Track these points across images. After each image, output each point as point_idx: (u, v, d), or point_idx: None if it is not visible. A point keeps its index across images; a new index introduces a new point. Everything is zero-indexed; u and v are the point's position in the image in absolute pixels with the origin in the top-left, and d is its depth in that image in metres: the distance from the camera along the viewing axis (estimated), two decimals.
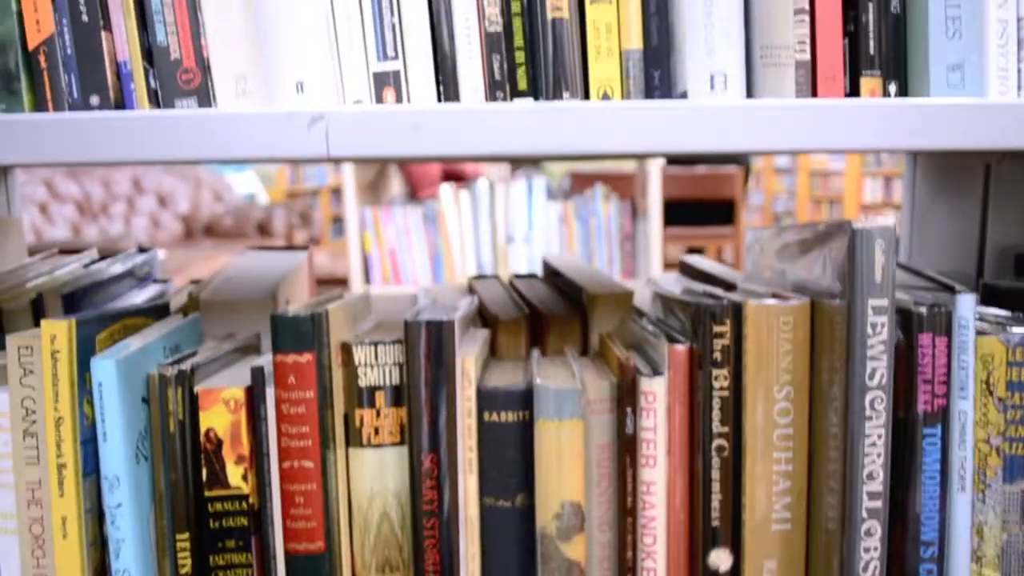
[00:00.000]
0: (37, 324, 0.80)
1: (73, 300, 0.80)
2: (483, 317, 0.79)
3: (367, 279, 2.30)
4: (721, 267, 0.89)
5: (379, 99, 0.58)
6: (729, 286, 0.82)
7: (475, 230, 2.26)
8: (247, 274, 0.85)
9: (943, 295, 0.66)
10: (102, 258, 0.94)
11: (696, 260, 0.93)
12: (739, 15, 0.56)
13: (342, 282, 2.39)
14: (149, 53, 0.59)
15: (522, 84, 0.59)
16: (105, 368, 0.60)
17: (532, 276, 0.94)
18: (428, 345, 0.60)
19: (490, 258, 2.24)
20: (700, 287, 0.76)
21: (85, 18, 0.59)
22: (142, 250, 0.95)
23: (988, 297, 0.80)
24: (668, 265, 2.95)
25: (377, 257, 2.26)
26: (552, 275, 0.91)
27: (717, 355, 0.60)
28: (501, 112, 0.52)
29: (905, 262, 1.01)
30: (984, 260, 0.94)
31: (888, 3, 0.60)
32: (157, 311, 0.75)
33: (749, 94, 0.56)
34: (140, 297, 0.89)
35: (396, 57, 0.58)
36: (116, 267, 0.89)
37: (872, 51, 0.59)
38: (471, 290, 0.89)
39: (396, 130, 0.52)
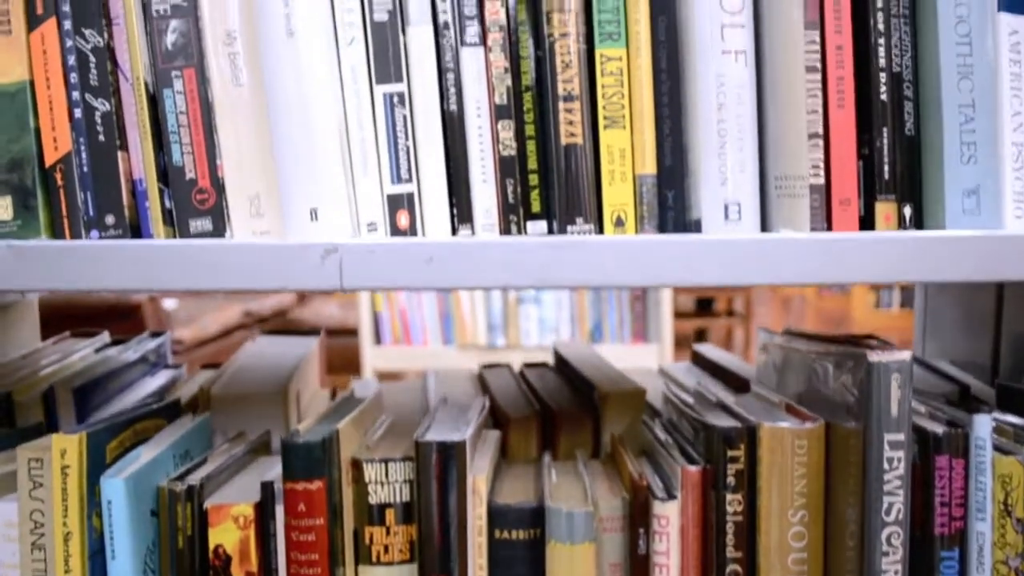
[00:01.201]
0: (48, 417, 0.80)
1: (84, 393, 0.80)
2: (494, 413, 0.78)
3: (377, 339, 2.30)
4: (733, 359, 0.89)
5: (393, 221, 0.58)
6: (741, 383, 0.81)
7: (485, 290, 2.27)
8: (258, 365, 0.85)
9: (960, 413, 0.65)
10: (114, 343, 0.95)
11: (708, 350, 0.92)
12: (753, 144, 0.56)
13: (352, 332, 2.39)
14: (164, 173, 0.59)
15: (536, 207, 0.59)
16: (114, 487, 0.59)
17: (543, 365, 0.93)
18: (439, 465, 0.60)
19: (500, 319, 2.25)
20: (713, 389, 0.75)
21: (102, 138, 0.60)
22: (154, 335, 0.95)
23: (1004, 398, 0.79)
24: (679, 314, 2.94)
25: (388, 316, 2.26)
26: (562, 364, 0.91)
27: (731, 479, 0.59)
28: (515, 246, 0.52)
29: (919, 353, 1.00)
30: (1000, 348, 0.93)
31: (903, 126, 0.60)
32: (168, 411, 0.75)
33: (763, 223, 0.56)
34: (152, 385, 0.89)
35: (410, 180, 0.58)
36: (128, 354, 0.89)
37: (887, 175, 0.59)
38: (481, 380, 0.89)
39: (410, 263, 0.52)
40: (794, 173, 0.55)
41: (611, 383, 0.80)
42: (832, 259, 0.53)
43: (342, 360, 2.20)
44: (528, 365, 0.92)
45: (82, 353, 0.90)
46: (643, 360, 2.21)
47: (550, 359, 0.97)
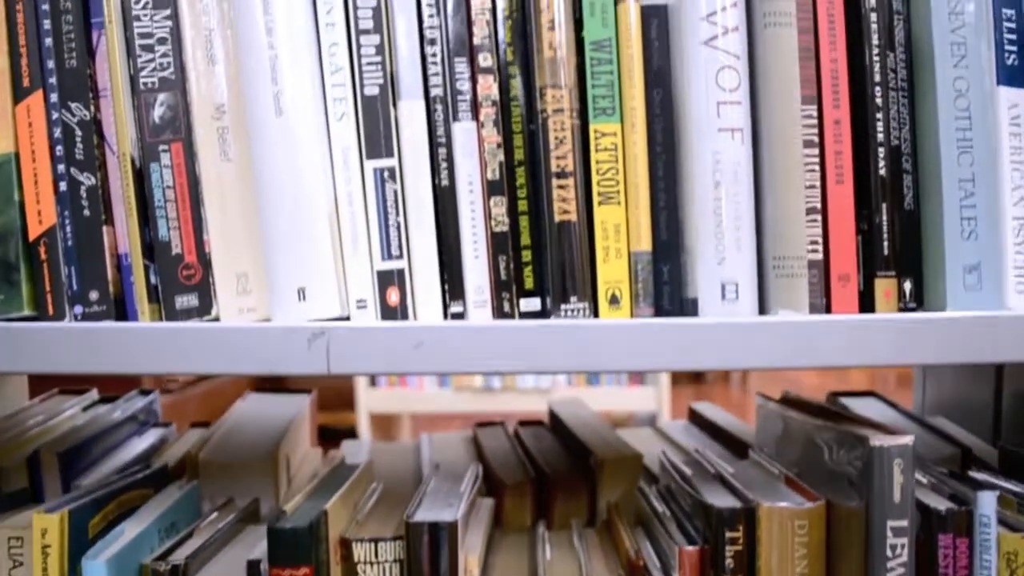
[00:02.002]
0: (32, 482, 0.78)
1: (69, 457, 0.79)
2: (488, 479, 0.77)
3: (372, 381, 2.28)
4: (730, 419, 0.87)
5: (383, 298, 0.57)
6: (740, 445, 0.80)
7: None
8: (248, 426, 0.84)
9: (962, 487, 0.64)
10: (103, 400, 0.93)
11: (705, 409, 0.91)
12: (750, 223, 0.55)
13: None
14: (150, 248, 0.58)
15: (529, 283, 0.58)
16: (96, 569, 0.58)
17: (538, 423, 0.92)
18: (430, 545, 0.59)
19: None
20: (710, 455, 0.74)
21: (87, 212, 0.59)
22: (144, 392, 0.94)
23: (1007, 462, 0.78)
24: None
25: None
26: (557, 424, 0.89)
27: (730, 561, 0.58)
28: (507, 330, 0.51)
29: (918, 403, 0.99)
30: (1001, 406, 0.92)
31: (902, 200, 0.59)
32: (154, 479, 0.73)
33: (761, 302, 0.55)
34: (140, 445, 0.87)
35: (401, 256, 0.57)
36: (116, 413, 0.88)
37: (886, 251, 0.58)
38: (476, 442, 0.87)
39: (398, 348, 0.51)
40: (792, 253, 0.54)
41: (607, 447, 0.79)
42: (831, 342, 0.52)
43: (338, 399, 2.18)
44: (523, 423, 0.91)
45: (70, 412, 0.89)
46: (640, 403, 2.19)
47: (545, 408, 0.95)
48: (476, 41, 0.58)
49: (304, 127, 0.55)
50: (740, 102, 0.55)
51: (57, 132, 0.59)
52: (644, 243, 0.57)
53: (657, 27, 0.59)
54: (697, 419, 0.91)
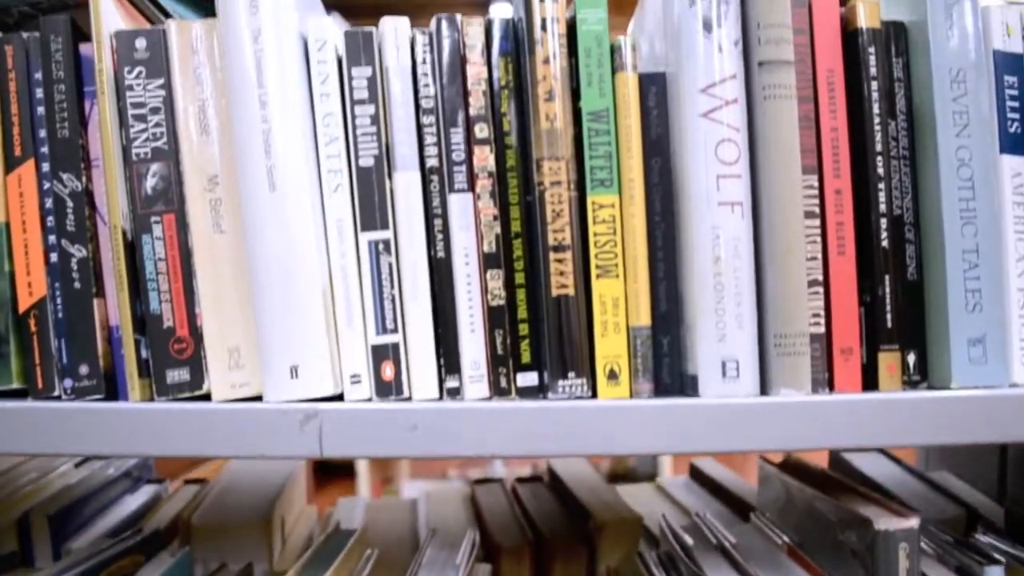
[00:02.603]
0: (22, 545, 0.77)
1: (60, 520, 0.77)
2: (485, 541, 0.76)
3: None
4: (733, 478, 0.86)
5: (378, 373, 0.56)
6: (742, 506, 0.79)
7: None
8: (241, 485, 0.83)
9: (969, 558, 0.62)
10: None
11: (706, 466, 0.90)
12: (751, 299, 0.54)
13: None
14: (142, 321, 0.57)
15: (526, 358, 0.57)
16: None
17: (537, 479, 0.91)
18: None
19: None
20: (711, 517, 0.72)
21: (77, 284, 0.58)
22: None
23: (1013, 523, 0.77)
24: None
25: None
26: (556, 481, 0.88)
27: None
28: (503, 412, 0.50)
29: (922, 458, 0.98)
30: (1006, 459, 0.91)
31: (905, 271, 0.58)
32: (146, 546, 0.72)
33: (763, 380, 0.54)
34: (132, 504, 0.86)
35: (396, 330, 0.56)
36: (110, 470, 0.87)
37: (890, 323, 0.57)
38: (473, 501, 0.86)
39: (392, 430, 0.50)
40: (794, 330, 0.53)
41: (607, 509, 0.77)
42: (834, 424, 0.50)
43: None
44: (521, 480, 0.90)
45: (62, 469, 0.87)
46: None
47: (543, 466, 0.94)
48: (472, 112, 0.57)
49: (297, 202, 0.55)
50: (740, 175, 0.54)
51: (48, 203, 0.59)
52: (643, 317, 0.56)
53: (655, 95, 0.58)
54: (698, 476, 0.90)
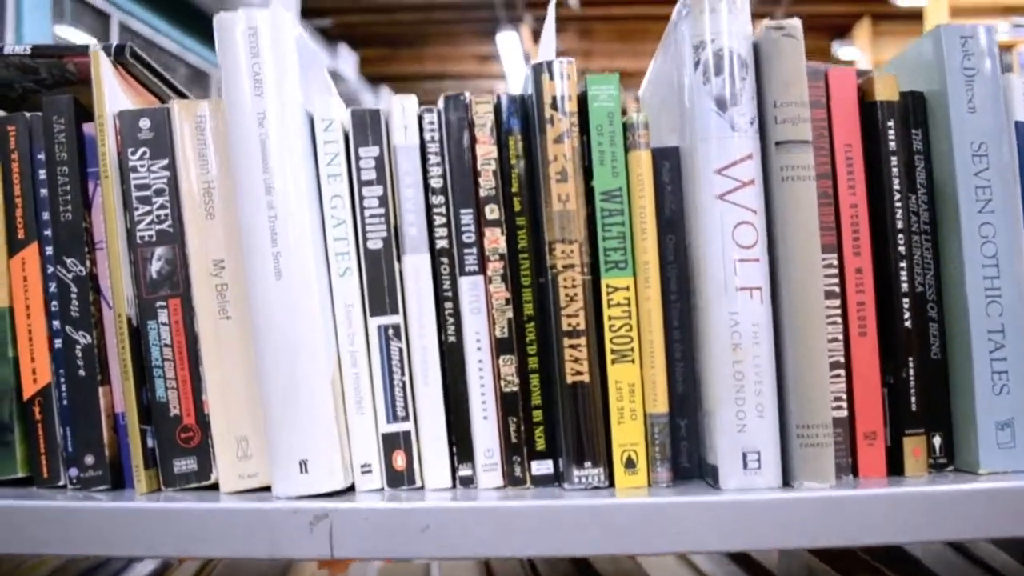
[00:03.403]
0: None
1: None
2: None
3: None
4: None
5: (388, 462, 0.55)
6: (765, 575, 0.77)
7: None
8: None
9: None
10: None
11: None
12: (771, 387, 0.52)
13: None
14: (147, 410, 0.56)
15: (540, 446, 0.55)
16: None
17: None
18: None
19: None
20: None
21: (82, 372, 0.57)
22: None
23: None
24: None
25: None
26: None
27: None
28: (518, 512, 0.49)
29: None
30: None
31: (928, 350, 0.56)
32: None
33: (785, 471, 0.52)
34: (143, 571, 0.85)
35: (407, 418, 0.55)
36: None
37: (914, 407, 0.55)
38: (487, 567, 0.85)
39: (404, 531, 0.49)
40: (817, 421, 0.52)
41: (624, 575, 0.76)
42: (860, 520, 0.49)
43: None
44: None
45: None
46: None
47: None
48: (483, 192, 0.56)
49: (305, 289, 0.53)
50: (759, 259, 0.53)
51: (52, 287, 0.58)
52: (660, 404, 0.54)
53: (669, 171, 0.57)
54: None
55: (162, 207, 0.57)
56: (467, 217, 0.56)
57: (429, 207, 0.56)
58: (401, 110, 0.56)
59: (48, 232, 0.58)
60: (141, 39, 4.57)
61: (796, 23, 0.53)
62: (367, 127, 0.56)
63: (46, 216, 0.58)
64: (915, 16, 4.91)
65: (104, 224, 0.57)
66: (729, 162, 0.53)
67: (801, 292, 0.53)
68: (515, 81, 6.53)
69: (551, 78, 0.55)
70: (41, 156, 0.59)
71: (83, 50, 0.59)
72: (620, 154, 0.55)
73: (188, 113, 0.57)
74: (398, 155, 0.56)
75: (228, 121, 0.54)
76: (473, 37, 6.10)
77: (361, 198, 0.56)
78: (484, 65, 6.70)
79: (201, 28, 4.97)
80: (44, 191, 0.58)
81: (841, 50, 6.16)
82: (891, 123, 0.57)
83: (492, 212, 0.56)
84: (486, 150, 0.56)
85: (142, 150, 0.57)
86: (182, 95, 0.67)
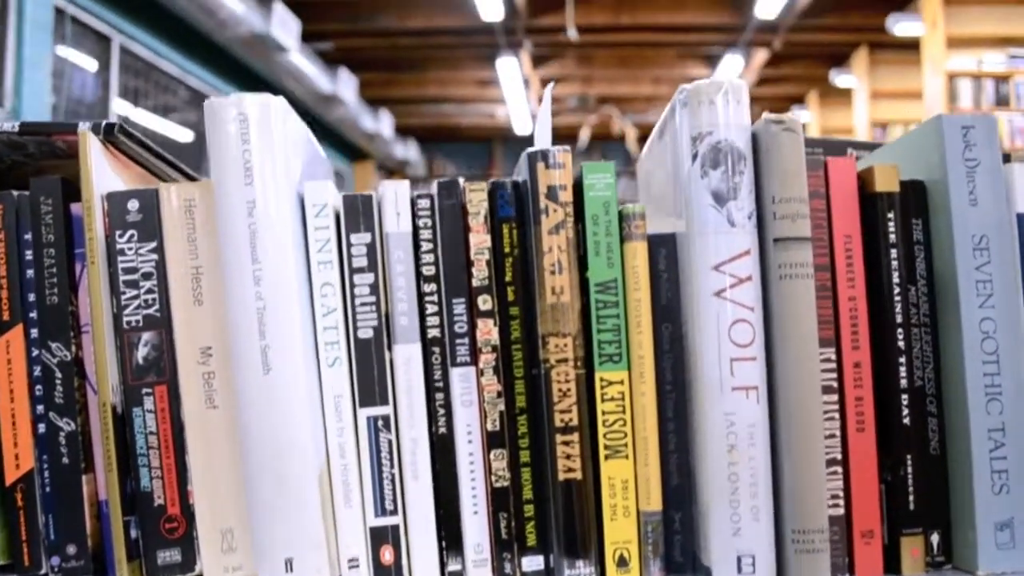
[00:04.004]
0: None
1: None
2: None
3: None
4: None
5: (376, 557, 0.54)
6: None
7: None
8: None
9: None
10: None
11: None
12: (767, 489, 0.51)
13: None
14: (131, 500, 0.55)
15: (531, 541, 0.54)
16: None
17: None
18: None
19: None
20: None
21: (66, 459, 0.56)
22: None
23: None
24: None
25: None
26: None
27: None
28: None
29: None
30: None
31: (927, 446, 0.55)
32: None
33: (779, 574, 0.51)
34: None
35: (395, 511, 0.54)
36: None
37: (912, 505, 0.54)
38: None
39: None
40: (813, 526, 0.51)
41: None
42: None
43: None
44: None
45: None
46: None
47: None
48: (475, 282, 0.55)
49: (293, 384, 0.52)
50: (755, 357, 0.52)
51: (37, 370, 0.57)
52: (654, 502, 0.53)
53: (665, 258, 0.56)
54: None
55: (149, 291, 0.56)
56: (460, 307, 0.55)
57: (421, 295, 0.55)
58: (394, 196, 0.56)
59: (34, 314, 0.57)
60: (142, 62, 4.58)
61: (796, 117, 0.53)
62: (359, 213, 0.55)
63: (32, 298, 0.57)
64: (912, 46, 4.94)
65: (90, 308, 0.56)
66: (727, 258, 0.52)
67: (798, 393, 0.52)
68: (514, 106, 6.55)
69: (547, 167, 0.54)
70: (28, 236, 0.58)
71: (72, 128, 0.58)
72: (616, 245, 0.55)
73: (177, 196, 0.56)
74: (390, 242, 0.55)
75: (217, 209, 0.53)
76: (473, 62, 6.12)
77: (352, 286, 0.55)
78: (484, 89, 6.73)
79: (202, 51, 4.99)
80: (30, 272, 0.57)
81: (838, 78, 6.20)
82: (891, 215, 0.56)
83: (485, 303, 0.55)
84: (480, 239, 0.55)
85: (130, 232, 0.56)
86: (176, 167, 0.66)
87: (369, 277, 0.55)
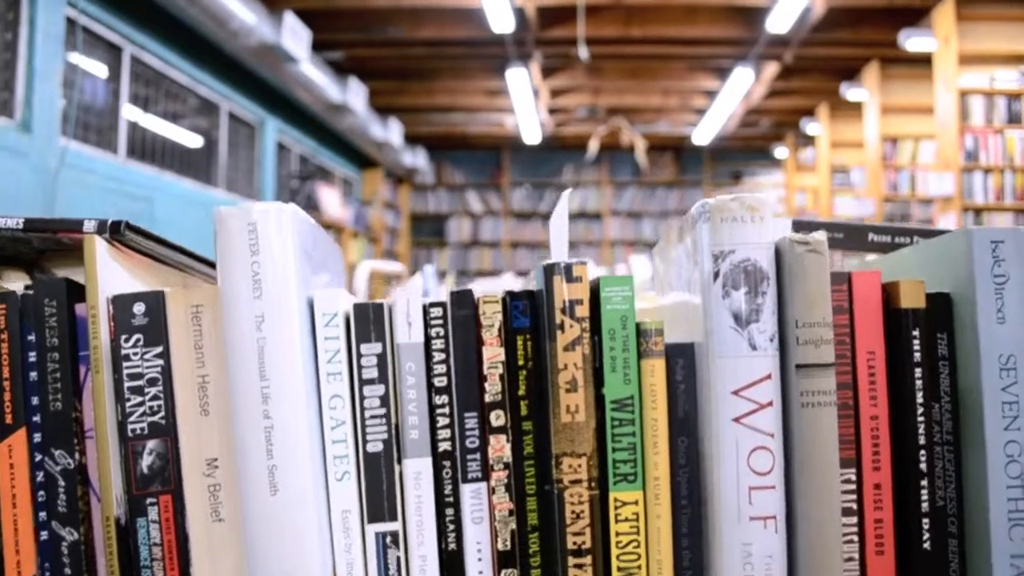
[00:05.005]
0: None
1: None
2: None
3: None
4: None
5: None
6: None
7: None
8: None
9: None
10: None
11: None
12: None
13: None
14: None
15: None
16: None
17: None
18: None
19: None
20: None
21: (68, 570, 0.55)
22: None
23: None
24: None
25: None
26: None
27: None
28: None
29: None
30: None
31: (947, 570, 0.54)
32: None
33: None
34: None
35: None
36: None
37: None
38: None
39: None
40: None
41: None
42: None
43: None
44: None
45: None
46: None
47: None
48: (488, 397, 0.54)
49: (301, 503, 0.51)
50: (774, 486, 0.50)
51: (40, 477, 0.56)
52: None
53: (683, 368, 0.55)
54: None
55: (155, 397, 0.55)
56: (471, 421, 0.54)
57: (432, 408, 0.54)
58: (405, 305, 0.54)
59: (37, 418, 0.56)
60: (152, 71, 4.58)
61: (822, 238, 0.51)
62: (369, 322, 0.54)
63: (35, 401, 0.56)
64: (924, 61, 4.92)
65: (94, 415, 0.55)
66: (747, 383, 0.51)
67: (818, 520, 0.51)
68: (523, 115, 6.53)
69: (564, 280, 0.53)
70: (31, 338, 0.57)
71: (76, 225, 0.57)
72: (633, 361, 0.53)
73: (183, 302, 0.55)
74: (401, 353, 0.54)
75: (225, 322, 0.52)
76: (483, 72, 6.11)
77: (362, 398, 0.54)
78: (493, 99, 6.72)
79: (212, 60, 4.99)
80: (34, 375, 0.56)
81: (849, 92, 6.17)
82: (917, 332, 0.55)
83: (498, 418, 0.54)
84: (493, 352, 0.54)
85: (136, 337, 0.55)
86: (188, 254, 0.65)
87: (379, 389, 0.54)
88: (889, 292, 0.56)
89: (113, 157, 4.10)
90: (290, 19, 4.68)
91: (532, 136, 7.57)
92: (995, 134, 4.49)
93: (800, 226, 0.68)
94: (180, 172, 4.86)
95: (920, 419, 0.54)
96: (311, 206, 6.01)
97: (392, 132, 6.89)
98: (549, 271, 0.53)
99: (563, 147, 8.36)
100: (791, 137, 7.80)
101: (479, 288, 0.78)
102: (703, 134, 7.54)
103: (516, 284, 1.82)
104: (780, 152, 8.32)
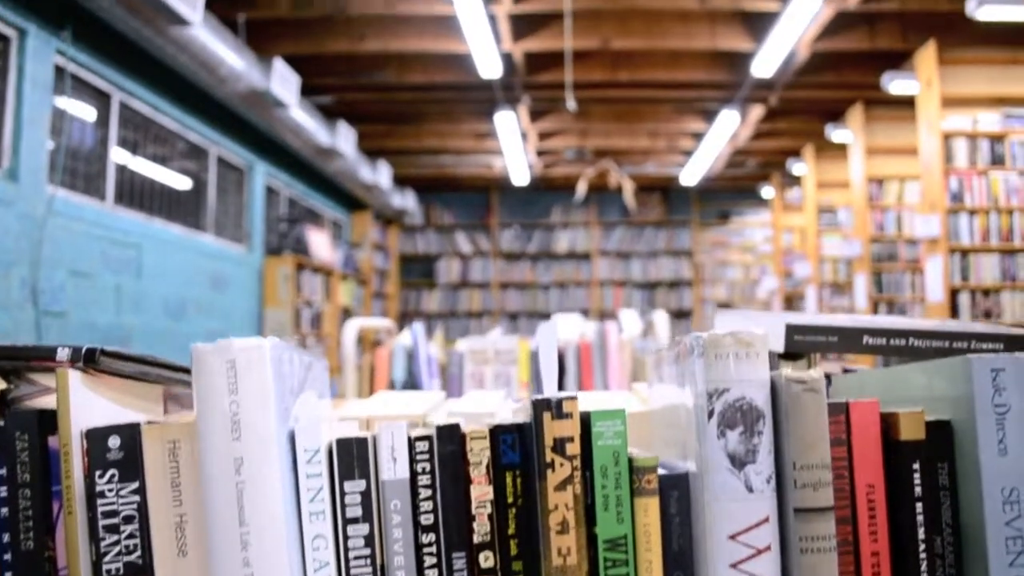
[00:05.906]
0: None
1: None
2: None
3: None
4: None
5: None
6: None
7: None
8: None
9: None
10: None
11: None
12: None
13: None
14: None
15: None
16: None
17: None
18: None
19: None
20: None
21: None
22: None
23: None
24: None
25: None
26: None
27: None
28: None
29: None
30: None
31: None
32: None
33: None
34: None
35: None
36: None
37: None
38: None
39: None
40: None
41: None
42: None
43: None
44: None
45: None
46: None
47: None
48: (476, 538, 0.52)
49: None
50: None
51: None
52: None
53: (678, 500, 0.53)
54: None
55: (131, 536, 0.53)
56: (460, 561, 0.52)
57: (419, 547, 0.52)
58: (390, 440, 0.53)
59: (8, 556, 0.54)
60: (141, 116, 4.57)
61: (819, 376, 0.50)
62: (353, 458, 0.52)
63: (6, 539, 0.54)
64: (907, 102, 4.96)
65: (67, 556, 0.53)
66: (744, 527, 0.49)
67: None
68: (511, 157, 6.56)
69: (553, 417, 0.51)
70: (2, 471, 0.54)
71: (50, 354, 0.55)
72: (626, 499, 0.52)
73: (160, 437, 0.53)
74: (386, 490, 0.52)
75: (202, 464, 0.50)
76: (471, 115, 6.14)
77: (346, 537, 0.52)
78: (482, 141, 6.74)
79: (201, 106, 4.99)
80: (5, 510, 0.54)
81: (834, 133, 6.22)
82: (917, 465, 0.53)
83: (487, 559, 0.52)
84: (481, 491, 0.52)
85: (111, 472, 0.53)
86: (167, 367, 0.63)
87: (364, 528, 0.52)
88: (888, 423, 0.54)
89: (101, 204, 4.08)
90: (279, 65, 4.69)
91: (521, 178, 7.59)
92: (979, 175, 4.52)
93: (794, 330, 0.67)
94: (168, 217, 4.83)
95: (923, 556, 0.52)
96: (300, 249, 5.98)
97: (381, 174, 6.89)
98: (539, 407, 0.51)
99: (551, 188, 8.38)
100: (777, 177, 7.85)
101: (466, 406, 0.76)
102: (690, 175, 7.57)
103: (508, 343, 1.80)
104: (767, 192, 8.36)
